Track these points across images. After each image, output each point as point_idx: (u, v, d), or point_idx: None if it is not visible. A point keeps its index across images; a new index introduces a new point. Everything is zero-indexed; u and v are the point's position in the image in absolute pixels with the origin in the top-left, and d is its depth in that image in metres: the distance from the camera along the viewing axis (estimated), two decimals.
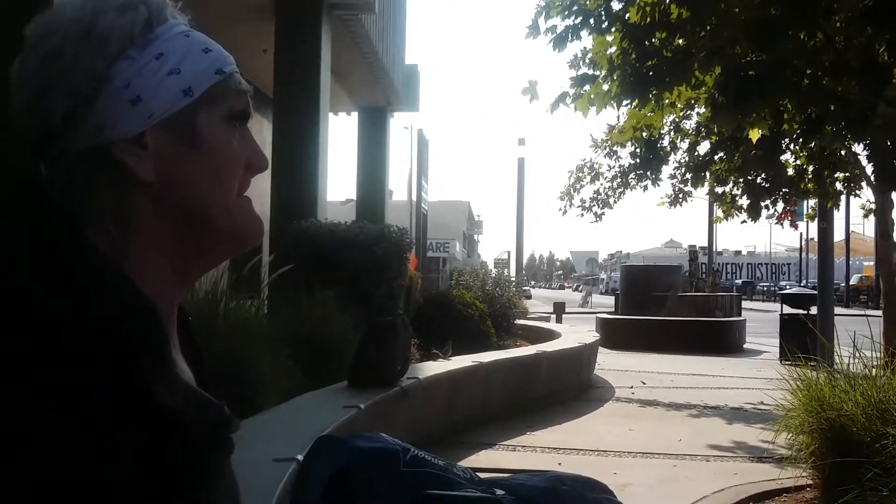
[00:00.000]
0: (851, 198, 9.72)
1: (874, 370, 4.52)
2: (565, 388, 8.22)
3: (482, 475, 2.04)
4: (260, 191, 10.88)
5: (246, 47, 10.05)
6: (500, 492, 1.80)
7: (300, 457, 3.03)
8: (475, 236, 68.86)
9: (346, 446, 1.65)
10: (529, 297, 39.87)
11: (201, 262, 0.76)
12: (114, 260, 0.68)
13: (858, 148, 7.76)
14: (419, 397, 5.43)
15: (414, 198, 23.15)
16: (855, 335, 4.91)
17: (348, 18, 10.43)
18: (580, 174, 10.33)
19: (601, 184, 10.13)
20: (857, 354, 4.77)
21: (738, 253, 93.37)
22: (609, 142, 9.38)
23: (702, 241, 38.97)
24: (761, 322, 20.11)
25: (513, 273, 28.21)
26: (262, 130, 11.62)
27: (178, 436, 0.61)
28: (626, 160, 9.58)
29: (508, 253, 47.47)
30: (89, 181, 0.69)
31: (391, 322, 5.19)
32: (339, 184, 58.74)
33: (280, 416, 4.15)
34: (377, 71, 12.90)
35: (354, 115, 15.67)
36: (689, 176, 9.18)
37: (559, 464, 5.31)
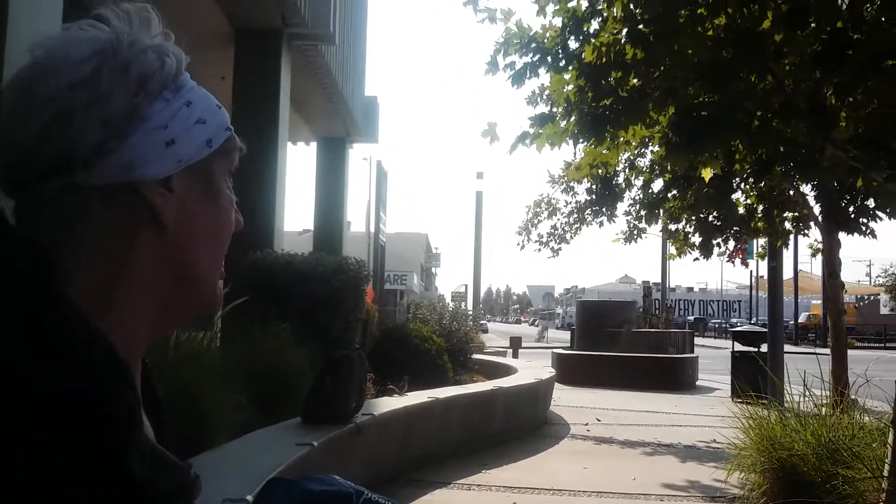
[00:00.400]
0: (800, 237, 9.98)
1: (824, 409, 4.60)
2: (521, 425, 8.18)
3: None
4: None
5: (204, 74, 9.84)
6: None
7: (251, 497, 2.94)
8: (433, 269, 68.90)
9: (297, 489, 1.59)
10: (486, 331, 39.89)
11: (172, 320, 0.74)
12: (92, 310, 0.62)
13: (807, 188, 7.99)
14: (374, 434, 5.34)
15: (372, 229, 23.12)
16: (805, 374, 5.00)
17: (308, 48, 10.44)
18: (538, 209, 10.43)
19: (558, 219, 10.24)
20: (808, 393, 4.85)
21: (690, 289, 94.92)
22: (566, 178, 9.49)
23: (655, 278, 39.55)
24: (713, 359, 20.38)
25: (470, 306, 28.22)
26: None
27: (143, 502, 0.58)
28: (583, 196, 9.71)
29: (466, 286, 47.58)
30: (98, 219, 0.65)
31: (347, 356, 5.12)
32: (296, 213, 58.55)
33: (231, 454, 4.04)
34: (336, 101, 12.92)
35: (313, 144, 15.63)
36: (643, 213, 9.32)
37: (514, 503, 5.25)
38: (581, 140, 5.41)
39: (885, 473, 3.31)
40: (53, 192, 0.65)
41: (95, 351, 0.60)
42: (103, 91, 0.65)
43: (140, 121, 0.67)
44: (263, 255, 7.63)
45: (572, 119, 5.24)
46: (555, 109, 5.64)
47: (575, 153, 8.65)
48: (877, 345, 35.40)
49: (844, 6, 4.05)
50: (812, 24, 4.07)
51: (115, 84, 0.66)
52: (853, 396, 4.97)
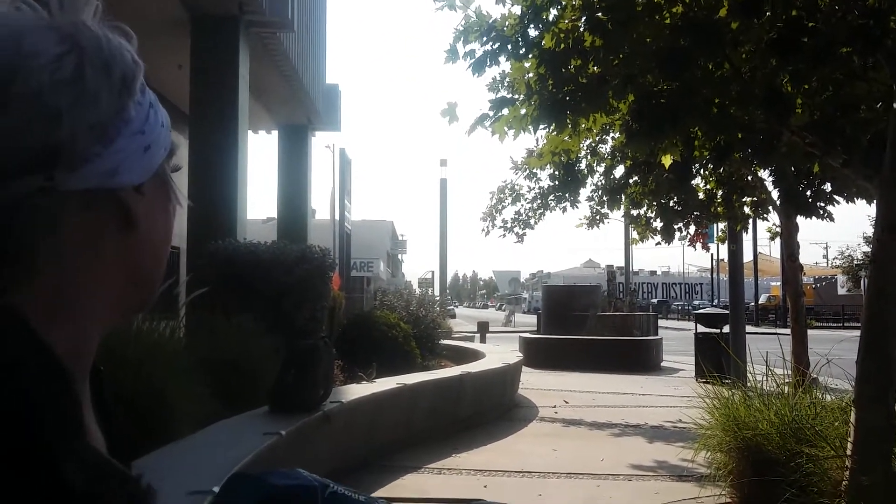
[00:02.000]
0: (759, 221, 10.14)
1: (786, 388, 4.68)
2: (490, 409, 8.22)
3: None
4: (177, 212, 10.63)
5: (160, 62, 9.78)
6: None
7: (217, 489, 2.90)
8: (399, 256, 68.77)
9: (260, 484, 1.56)
10: (454, 317, 39.99)
11: (117, 319, 0.72)
12: (49, 310, 0.61)
13: (765, 174, 8.11)
14: (343, 421, 5.32)
15: (337, 217, 22.95)
16: (767, 354, 5.08)
17: (266, 35, 10.29)
18: (501, 195, 10.44)
19: (522, 205, 10.25)
20: (770, 373, 4.93)
21: (653, 273, 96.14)
22: (528, 166, 9.52)
23: (619, 262, 39.99)
24: (677, 340, 20.68)
25: (437, 292, 28.25)
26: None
27: None
28: (546, 182, 9.73)
29: (432, 272, 47.60)
30: (70, 221, 0.62)
31: (313, 345, 5.08)
32: (260, 202, 57.92)
33: (197, 445, 3.99)
34: (297, 89, 12.77)
35: (275, 133, 15.45)
36: (605, 198, 9.39)
37: (485, 486, 5.28)
38: (542, 125, 5.40)
39: (849, 451, 3.38)
40: (26, 192, 0.62)
41: (32, 357, 0.58)
42: (90, 92, 0.62)
43: (124, 124, 0.64)
44: (226, 244, 7.53)
45: (532, 105, 5.23)
46: (516, 96, 5.63)
47: (536, 140, 8.67)
48: (834, 325, 36.21)
49: None
50: (767, 13, 4.12)
51: (100, 84, 0.63)
52: (815, 376, 5.07)
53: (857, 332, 3.58)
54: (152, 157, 0.67)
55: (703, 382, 5.40)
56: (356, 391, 6.06)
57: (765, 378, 4.86)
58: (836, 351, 4.80)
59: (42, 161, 0.61)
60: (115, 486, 0.60)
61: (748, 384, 4.93)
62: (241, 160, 9.32)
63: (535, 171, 9.74)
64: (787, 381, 4.84)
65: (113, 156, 0.64)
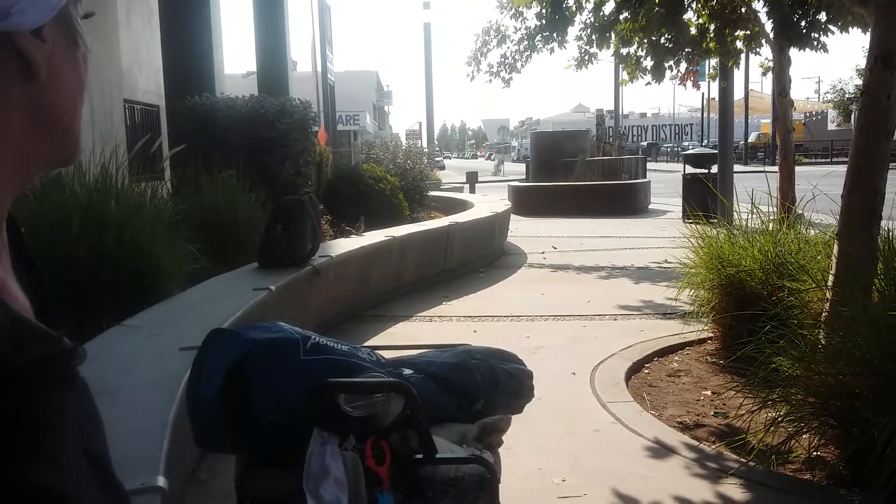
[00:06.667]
0: (751, 56, 9.86)
1: (771, 225, 4.69)
2: (479, 258, 8.32)
3: (395, 353, 2.00)
4: (151, 66, 10.24)
5: None
6: (407, 371, 1.77)
7: None
8: (385, 107, 67.51)
9: (241, 338, 1.56)
10: (443, 168, 39.84)
11: (33, 171, 0.68)
12: None
13: (758, 5, 7.78)
14: (332, 275, 5.36)
15: (319, 69, 22.27)
16: (753, 192, 5.07)
17: None
18: (487, 38, 10.02)
19: (508, 47, 9.87)
20: (755, 211, 4.94)
21: (643, 115, 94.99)
22: (513, 4, 9.09)
23: (609, 105, 39.36)
24: (666, 182, 20.72)
25: (425, 144, 27.96)
26: None
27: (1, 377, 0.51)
28: (533, 22, 9.33)
29: (420, 123, 46.89)
30: None
31: (298, 200, 5.03)
32: (239, 55, 55.96)
33: (186, 303, 4.02)
34: None
35: None
36: (594, 37, 9.03)
37: (474, 331, 5.41)
38: None
39: (829, 283, 3.43)
40: None
41: None
42: None
43: None
44: (202, 99, 7.30)
45: None
46: None
47: None
48: (823, 160, 36.28)
49: None
50: None
51: None
52: (800, 211, 5.09)
53: (845, 167, 3.53)
54: None
55: (690, 223, 5.42)
56: (345, 245, 6.08)
57: (750, 216, 4.87)
58: (823, 186, 4.78)
59: None
60: (32, 344, 0.56)
61: (734, 223, 4.95)
62: (215, 10, 8.88)
63: (520, 9, 9.31)
64: (772, 218, 4.86)
65: None
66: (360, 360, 1.65)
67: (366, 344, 2.04)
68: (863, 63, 3.59)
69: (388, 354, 1.90)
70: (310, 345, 1.59)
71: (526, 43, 9.35)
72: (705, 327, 4.75)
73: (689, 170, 12.68)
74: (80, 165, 4.42)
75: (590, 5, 8.86)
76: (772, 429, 3.02)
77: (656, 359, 4.64)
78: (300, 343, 1.58)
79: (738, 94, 31.51)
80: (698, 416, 3.72)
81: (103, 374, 2.57)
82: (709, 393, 4.00)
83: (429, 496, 1.56)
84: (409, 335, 5.32)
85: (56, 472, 0.58)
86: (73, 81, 0.65)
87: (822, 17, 7.45)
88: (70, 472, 0.60)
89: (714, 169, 11.30)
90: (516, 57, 9.73)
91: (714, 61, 10.43)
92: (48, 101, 0.63)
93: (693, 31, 8.43)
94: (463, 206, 10.51)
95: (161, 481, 1.72)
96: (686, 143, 56.68)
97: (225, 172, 5.99)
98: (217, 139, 6.71)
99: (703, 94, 46.99)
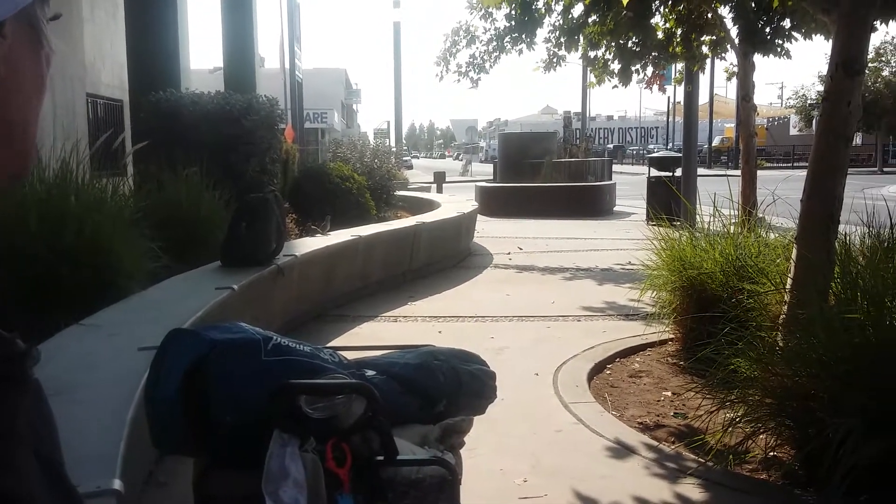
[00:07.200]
0: (717, 61, 10.01)
1: (732, 228, 4.77)
2: (445, 258, 8.32)
3: (358, 354, 1.99)
4: (115, 60, 10.07)
5: None
6: (370, 372, 1.76)
7: None
8: (354, 106, 67.16)
9: (200, 339, 1.53)
10: (411, 168, 39.75)
11: None
12: None
13: (724, 10, 7.91)
14: (296, 274, 5.32)
15: (287, 65, 22.09)
16: (715, 196, 5.14)
17: None
18: (456, 38, 10.04)
19: (477, 48, 9.90)
20: (717, 214, 5.01)
21: (610, 118, 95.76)
22: (482, 4, 9.11)
23: (576, 107, 39.65)
24: (631, 185, 20.94)
25: (393, 143, 27.89)
26: None
27: None
28: (502, 23, 9.36)
29: (388, 123, 46.74)
30: None
31: (263, 198, 4.98)
32: (205, 51, 55.30)
33: (146, 302, 3.96)
34: None
35: None
36: (563, 40, 9.10)
37: (439, 332, 5.41)
38: None
39: (788, 286, 3.49)
40: None
41: None
42: None
43: None
44: (167, 95, 7.20)
45: None
46: None
47: None
48: (785, 164, 36.92)
49: None
50: None
51: None
52: (761, 215, 5.17)
53: (806, 172, 3.60)
54: None
55: (653, 225, 5.49)
56: (310, 244, 6.05)
57: (712, 219, 4.94)
58: (783, 190, 4.87)
59: None
60: None
61: (696, 225, 5.02)
62: (181, 5, 8.76)
63: (490, 10, 9.34)
64: (733, 221, 4.94)
65: None
66: (323, 361, 1.64)
67: (329, 345, 2.03)
68: (825, 70, 3.66)
69: (351, 355, 1.89)
70: (271, 345, 1.58)
71: (495, 44, 9.38)
72: (666, 329, 4.81)
73: (654, 173, 12.82)
74: (40, 160, 4.33)
75: (559, 8, 8.93)
76: (730, 429, 3.07)
77: (618, 360, 4.68)
78: (261, 344, 1.57)
79: (703, 98, 31.92)
80: (658, 416, 3.76)
81: (60, 373, 2.52)
82: (669, 394, 4.06)
83: (389, 498, 1.56)
84: (373, 336, 5.30)
85: (7, 475, 0.57)
86: (33, 82, 0.63)
87: (787, 23, 7.60)
88: (22, 476, 0.59)
89: (678, 172, 11.44)
90: (485, 58, 9.76)
91: (680, 66, 10.57)
92: (5, 99, 0.61)
93: (660, 35, 8.54)
94: (430, 205, 10.50)
95: (117, 484, 1.69)
96: (651, 146, 57.28)
97: (189, 169, 5.91)
98: (181, 135, 6.62)
99: (668, 97, 47.56)
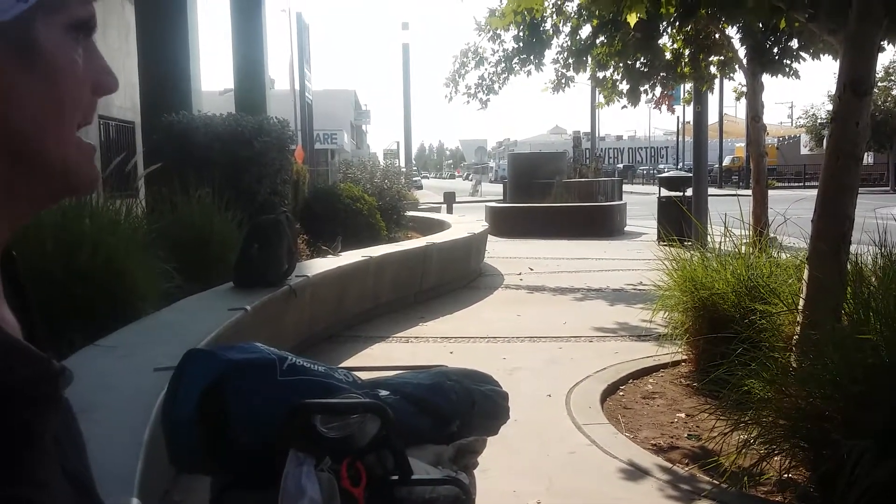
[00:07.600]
0: (725, 81, 10.04)
1: (744, 248, 4.76)
2: (456, 279, 8.33)
3: (371, 374, 2.01)
4: (127, 81, 10.18)
5: None
6: (383, 392, 1.77)
7: None
8: (363, 126, 67.53)
9: (217, 359, 1.55)
10: (420, 188, 39.91)
11: (31, 204, 0.63)
12: None
13: (732, 31, 7.95)
14: (308, 295, 5.35)
15: (297, 87, 22.30)
16: (726, 216, 5.14)
17: None
18: (465, 59, 10.13)
19: (486, 69, 9.98)
20: (728, 234, 5.01)
21: (619, 138, 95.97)
22: (490, 26, 9.20)
23: (585, 127, 39.77)
24: (641, 205, 20.91)
25: (402, 164, 28.02)
26: (123, 14, 10.71)
27: None
28: (510, 44, 9.45)
29: (398, 143, 47.01)
30: None
31: (275, 220, 5.02)
32: (216, 73, 55.80)
33: (161, 322, 3.99)
34: None
35: None
36: (571, 60, 9.16)
37: (451, 352, 5.41)
38: None
39: (800, 307, 3.48)
40: None
41: None
42: None
43: None
44: (179, 117, 7.27)
45: None
46: None
47: None
48: (796, 184, 36.85)
49: None
50: None
51: None
52: (772, 235, 5.17)
53: (816, 191, 3.61)
54: None
55: (664, 245, 5.49)
56: (321, 265, 6.07)
57: (723, 239, 4.94)
58: (795, 210, 4.86)
59: None
60: (21, 364, 0.57)
61: (707, 246, 5.01)
62: (192, 26, 8.87)
63: (498, 32, 9.43)
64: (745, 241, 4.93)
65: None
66: (337, 381, 1.65)
67: (342, 365, 2.05)
68: (834, 89, 3.67)
69: (364, 375, 1.91)
70: (286, 365, 1.60)
71: (503, 65, 9.47)
72: (679, 349, 4.80)
73: (665, 192, 12.82)
74: None
75: (566, 29, 9.01)
76: (744, 451, 3.05)
77: (631, 381, 4.67)
78: (276, 364, 1.59)
79: (713, 117, 32.00)
80: (672, 438, 3.75)
81: (76, 394, 2.54)
82: (682, 415, 4.04)
83: None
84: (385, 356, 5.31)
85: (32, 486, 0.58)
86: (38, 101, 0.61)
87: (794, 44, 7.62)
88: (46, 488, 0.60)
89: (689, 192, 11.44)
90: (493, 79, 9.84)
91: (688, 86, 10.61)
92: (5, 128, 0.59)
93: (668, 56, 8.57)
94: (440, 226, 10.53)
95: (135, 502, 1.70)
96: (662, 166, 57.29)
97: (201, 190, 5.96)
98: (194, 157, 6.69)
99: (678, 117, 47.63)
